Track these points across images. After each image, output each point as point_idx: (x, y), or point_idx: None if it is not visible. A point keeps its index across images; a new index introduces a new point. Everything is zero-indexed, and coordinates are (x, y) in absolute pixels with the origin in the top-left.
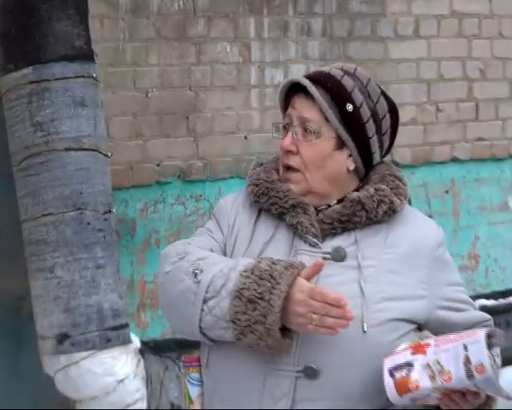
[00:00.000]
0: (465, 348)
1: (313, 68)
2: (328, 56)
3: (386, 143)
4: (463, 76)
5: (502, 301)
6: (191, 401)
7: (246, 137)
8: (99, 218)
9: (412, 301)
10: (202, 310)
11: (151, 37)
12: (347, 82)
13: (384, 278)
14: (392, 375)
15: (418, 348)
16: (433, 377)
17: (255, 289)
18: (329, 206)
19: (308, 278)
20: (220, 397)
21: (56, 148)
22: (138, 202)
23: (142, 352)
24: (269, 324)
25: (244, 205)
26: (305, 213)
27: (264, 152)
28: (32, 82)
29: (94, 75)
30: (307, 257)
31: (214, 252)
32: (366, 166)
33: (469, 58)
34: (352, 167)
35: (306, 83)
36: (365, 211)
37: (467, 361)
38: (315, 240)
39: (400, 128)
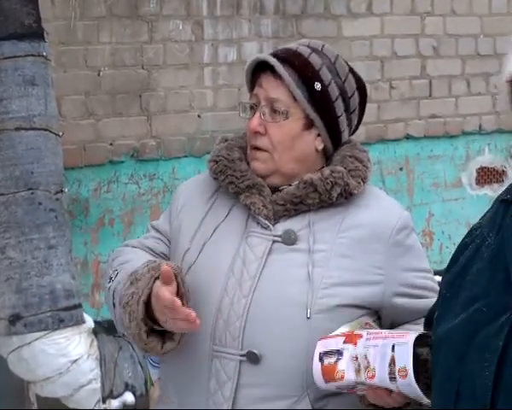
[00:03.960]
0: (393, 348)
1: (266, 47)
2: (281, 34)
3: (355, 121)
4: (417, 53)
5: None
6: (152, 383)
7: (199, 116)
8: (51, 198)
9: (364, 287)
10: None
11: (103, 15)
12: (315, 60)
13: (335, 262)
14: (321, 359)
15: (350, 338)
16: (358, 371)
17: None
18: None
19: (167, 282)
20: (173, 381)
21: (6, 127)
22: (91, 182)
23: (95, 332)
24: (131, 330)
25: (202, 184)
26: (260, 194)
27: (218, 130)
28: None
29: (44, 54)
30: (258, 239)
31: (160, 243)
32: (335, 145)
33: (422, 35)
34: (320, 147)
35: (274, 62)
36: (318, 193)
37: (392, 363)
38: (266, 222)
39: None
